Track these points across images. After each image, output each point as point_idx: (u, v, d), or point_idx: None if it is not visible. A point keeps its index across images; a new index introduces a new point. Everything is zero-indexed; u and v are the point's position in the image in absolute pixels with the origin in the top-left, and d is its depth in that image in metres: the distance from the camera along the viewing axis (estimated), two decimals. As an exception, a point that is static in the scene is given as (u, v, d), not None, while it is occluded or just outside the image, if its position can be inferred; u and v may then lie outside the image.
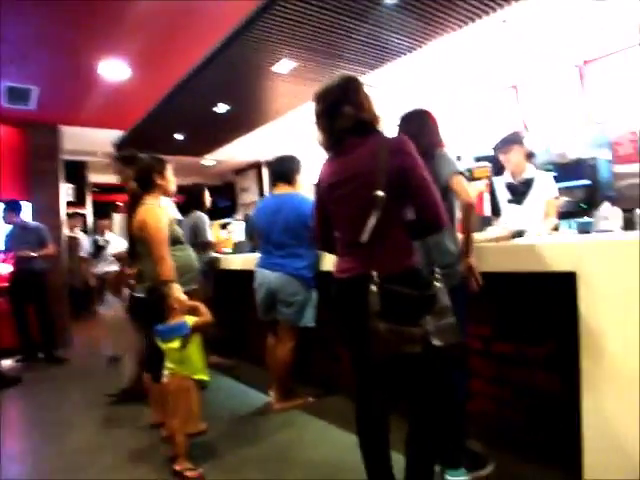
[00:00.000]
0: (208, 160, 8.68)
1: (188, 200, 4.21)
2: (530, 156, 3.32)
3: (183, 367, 2.36)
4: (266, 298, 3.03)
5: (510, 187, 3.23)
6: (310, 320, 3.00)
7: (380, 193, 1.60)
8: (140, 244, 2.61)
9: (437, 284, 1.65)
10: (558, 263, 1.84)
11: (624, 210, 3.25)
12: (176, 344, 2.33)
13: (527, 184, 3.14)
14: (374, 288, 1.55)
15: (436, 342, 1.56)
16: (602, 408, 1.75)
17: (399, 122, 2.17)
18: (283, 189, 3.07)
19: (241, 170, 10.06)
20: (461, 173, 2.02)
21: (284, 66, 4.18)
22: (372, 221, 1.60)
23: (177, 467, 2.30)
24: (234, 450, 2.54)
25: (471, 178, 2.32)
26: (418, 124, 2.11)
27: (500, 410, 2.30)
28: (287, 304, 2.95)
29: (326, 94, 1.76)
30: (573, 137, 4.80)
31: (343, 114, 1.70)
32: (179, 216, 3.80)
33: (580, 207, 4.55)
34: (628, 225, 3.17)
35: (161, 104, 5.04)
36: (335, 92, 1.74)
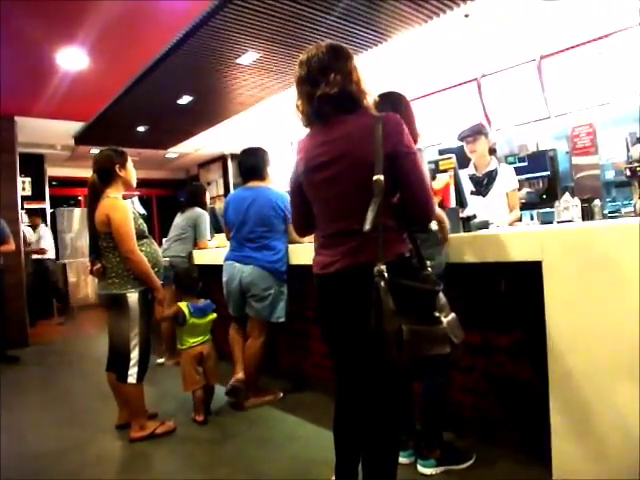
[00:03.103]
0: (172, 153, 8.51)
1: (189, 197, 4.24)
2: (492, 151, 3.39)
3: (208, 336, 2.89)
4: (237, 292, 2.97)
5: (473, 179, 3.29)
6: (282, 315, 2.97)
7: (381, 177, 1.44)
8: (103, 239, 2.54)
9: (430, 275, 1.58)
10: (524, 253, 1.87)
11: (583, 200, 3.36)
12: (212, 316, 2.89)
13: (490, 176, 3.21)
14: (383, 284, 1.38)
15: (454, 340, 1.47)
16: (569, 396, 1.79)
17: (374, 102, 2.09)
18: (255, 183, 3.03)
19: (206, 163, 9.90)
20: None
21: (249, 58, 4.13)
22: (374, 208, 1.41)
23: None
24: (205, 449, 2.50)
25: (436, 171, 2.32)
26: (392, 108, 1.93)
27: (472, 399, 2.34)
28: (259, 299, 2.90)
29: (311, 58, 1.58)
30: (533, 130, 4.92)
31: (329, 80, 1.53)
32: (142, 210, 3.72)
33: (541, 198, 4.70)
34: (587, 215, 3.27)
35: (122, 95, 4.91)
36: (322, 57, 1.57)
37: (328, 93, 1.53)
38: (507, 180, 3.21)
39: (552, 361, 1.84)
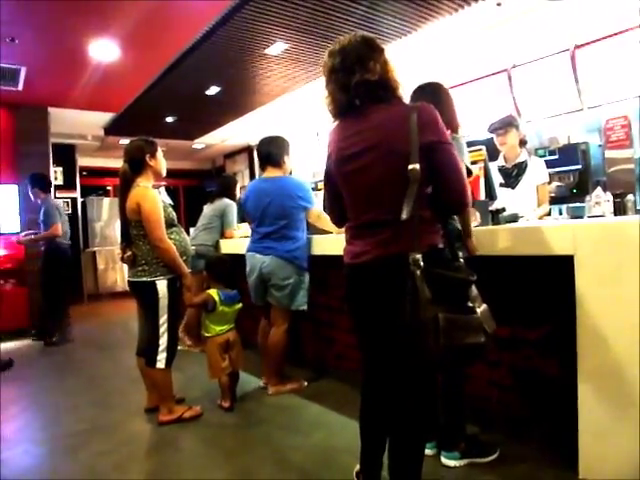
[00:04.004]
0: (199, 143, 8.59)
1: (220, 188, 4.30)
2: (523, 143, 3.33)
3: (233, 324, 2.93)
4: (258, 282, 3.02)
5: (503, 171, 3.24)
6: (302, 303, 3.00)
7: (417, 167, 1.44)
8: (133, 227, 2.60)
9: (463, 266, 1.59)
10: (557, 246, 1.84)
11: (615, 195, 3.28)
12: (239, 305, 2.92)
13: (520, 168, 3.16)
14: (419, 272, 1.39)
15: (488, 330, 1.47)
16: (598, 392, 1.76)
17: (412, 94, 2.06)
18: (272, 172, 3.04)
19: (232, 154, 9.97)
20: (468, 169, 1.99)
21: (277, 48, 4.14)
22: (410, 197, 1.42)
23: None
24: (230, 435, 2.54)
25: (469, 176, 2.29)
26: (432, 99, 1.87)
27: (499, 394, 2.32)
28: (279, 287, 2.94)
29: (346, 48, 1.57)
30: (565, 122, 4.80)
31: (368, 68, 1.53)
32: (169, 200, 3.79)
33: (572, 192, 4.59)
34: (619, 210, 3.19)
35: (152, 86, 4.99)
36: (358, 47, 1.56)
37: (368, 80, 1.54)
38: (537, 173, 3.16)
39: (582, 357, 1.81)
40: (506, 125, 3.14)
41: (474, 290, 1.54)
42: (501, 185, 3.21)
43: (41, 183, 5.00)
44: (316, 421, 2.64)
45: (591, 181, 4.57)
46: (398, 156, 1.47)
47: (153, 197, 2.57)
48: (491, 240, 2.05)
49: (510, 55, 4.73)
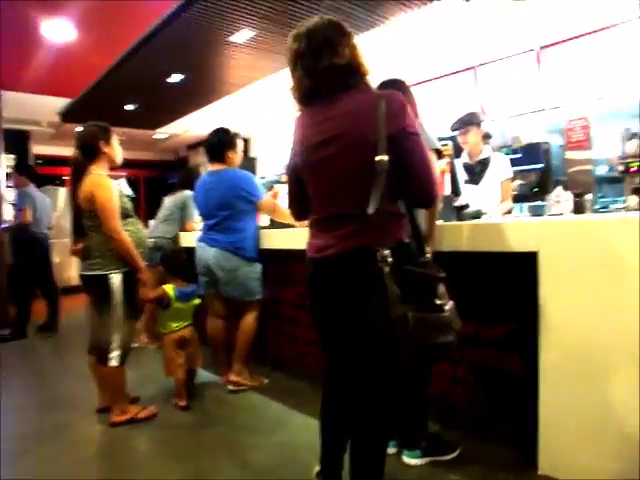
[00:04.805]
0: (161, 133, 8.34)
1: (182, 180, 4.15)
2: (486, 137, 3.35)
3: (190, 320, 2.83)
4: (205, 273, 2.98)
5: (467, 167, 3.25)
6: (256, 294, 2.96)
7: (384, 158, 1.37)
8: (87, 217, 2.46)
9: (430, 262, 1.55)
10: (521, 243, 1.84)
11: (575, 195, 3.34)
12: (196, 301, 2.85)
13: (483, 164, 3.18)
14: (387, 269, 1.33)
15: (455, 327, 1.44)
16: (559, 390, 1.77)
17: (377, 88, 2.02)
18: (217, 166, 3.00)
19: (195, 145, 9.72)
20: (437, 151, 1.96)
21: (243, 36, 4.02)
22: (377, 190, 1.35)
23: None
24: (186, 436, 2.44)
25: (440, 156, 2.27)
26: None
27: (460, 391, 2.31)
28: (228, 280, 2.89)
29: (312, 31, 1.50)
30: (528, 121, 4.87)
31: (337, 52, 1.46)
32: (129, 191, 3.65)
33: (533, 191, 4.67)
34: (578, 209, 3.26)
35: (111, 71, 4.76)
36: (325, 29, 1.50)
37: (337, 65, 1.47)
38: (501, 169, 3.19)
39: (544, 354, 1.82)
40: (466, 124, 3.16)
41: (442, 287, 1.50)
42: (465, 182, 3.21)
43: (28, 171, 4.86)
44: (276, 420, 2.57)
45: (551, 180, 4.67)
46: (365, 146, 1.41)
47: (108, 185, 2.44)
48: (456, 236, 2.03)
49: (477, 53, 4.77)
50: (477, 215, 2.48)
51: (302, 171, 1.60)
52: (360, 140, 1.43)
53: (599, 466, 1.69)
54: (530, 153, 4.68)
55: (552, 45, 4.43)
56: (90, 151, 2.49)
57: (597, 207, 4.05)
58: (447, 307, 1.46)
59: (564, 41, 4.34)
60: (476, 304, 2.19)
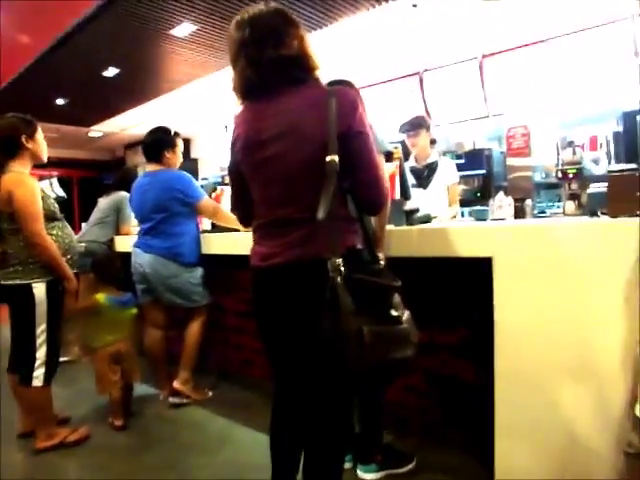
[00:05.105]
0: (95, 131, 7.88)
1: (118, 180, 3.86)
2: (433, 142, 3.37)
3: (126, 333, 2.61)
4: (141, 280, 2.79)
5: (414, 171, 3.25)
6: (200, 299, 2.81)
7: (335, 158, 1.26)
8: (4, 220, 2.20)
9: (384, 269, 1.45)
10: (475, 249, 1.81)
11: (516, 200, 3.43)
12: (133, 311, 2.64)
13: (431, 169, 3.20)
14: (339, 279, 1.21)
15: (413, 340, 1.34)
16: (514, 396, 1.74)
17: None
18: (153, 167, 2.83)
19: (133, 145, 9.25)
20: (388, 154, 1.89)
21: (184, 29, 3.81)
22: (327, 193, 1.22)
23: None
24: (123, 460, 2.23)
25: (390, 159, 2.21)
26: None
27: (414, 399, 2.26)
28: (167, 288, 2.73)
29: (257, 18, 1.37)
30: (470, 128, 4.99)
31: (284, 42, 1.35)
32: (61, 192, 3.36)
33: (476, 195, 4.79)
34: (519, 214, 3.35)
35: (39, 60, 4.36)
36: (272, 19, 1.37)
37: (283, 56, 1.35)
38: (448, 173, 3.22)
39: (499, 360, 1.78)
40: (416, 127, 3.16)
41: (397, 296, 1.40)
42: (413, 185, 3.20)
43: None
44: (223, 437, 2.41)
45: (493, 186, 4.81)
46: (313, 145, 1.30)
47: (29, 184, 2.19)
48: (408, 241, 1.98)
49: (422, 59, 4.81)
50: (427, 219, 2.46)
51: (245, 171, 1.47)
52: (308, 138, 1.32)
53: (549, 469, 1.68)
54: (473, 159, 4.78)
55: (494, 54, 4.55)
56: (10, 146, 2.23)
57: (535, 212, 4.19)
58: (404, 318, 1.36)
59: (506, 50, 4.47)
60: (429, 311, 2.15)
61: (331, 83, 1.92)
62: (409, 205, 2.46)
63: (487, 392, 1.82)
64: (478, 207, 4.50)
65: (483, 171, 4.78)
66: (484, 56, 4.61)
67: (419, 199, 3.07)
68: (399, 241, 1.97)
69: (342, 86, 1.79)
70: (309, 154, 1.32)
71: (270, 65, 1.35)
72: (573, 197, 4.31)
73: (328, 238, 1.26)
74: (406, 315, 1.39)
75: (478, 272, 1.80)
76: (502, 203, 3.48)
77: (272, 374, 1.63)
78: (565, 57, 4.10)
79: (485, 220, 3.65)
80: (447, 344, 2.15)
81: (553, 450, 1.69)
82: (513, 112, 4.65)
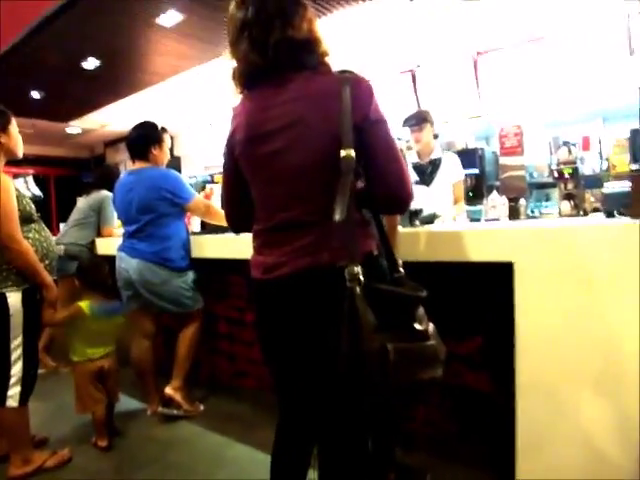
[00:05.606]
0: (74, 127, 7.57)
1: (99, 179, 3.67)
2: (435, 137, 3.24)
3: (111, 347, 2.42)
4: (127, 286, 2.60)
5: (417, 168, 3.12)
6: (194, 304, 2.65)
7: (351, 153, 1.12)
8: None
9: (405, 278, 1.30)
10: (493, 253, 1.69)
11: (509, 199, 3.35)
12: (119, 320, 2.46)
13: (435, 165, 3.07)
14: (358, 290, 1.06)
15: (442, 358, 1.21)
16: (536, 408, 1.64)
17: None
18: (139, 165, 2.65)
19: (114, 142, 8.95)
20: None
21: (170, 18, 3.60)
22: (344, 192, 1.08)
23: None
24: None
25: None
26: None
27: (423, 412, 2.14)
28: (156, 295, 2.55)
29: None
30: (462, 127, 4.91)
31: (292, 23, 1.20)
32: (37, 191, 3.13)
33: (469, 195, 4.70)
34: (513, 214, 3.27)
35: (11, 49, 4.09)
36: None
37: (291, 38, 1.19)
38: (453, 169, 3.11)
39: (520, 371, 1.67)
40: (421, 120, 3.02)
41: (421, 308, 1.25)
42: (416, 182, 3.08)
43: None
44: (216, 456, 2.24)
45: (485, 185, 4.74)
46: (325, 138, 1.16)
47: (3, 182, 1.98)
48: (419, 244, 1.85)
49: (417, 55, 4.70)
50: (432, 220, 2.35)
51: (244, 167, 1.31)
52: (320, 130, 1.17)
53: None
54: (467, 158, 4.67)
55: (487, 52, 4.46)
56: (-19, 140, 2.01)
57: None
58: (430, 333, 1.22)
59: (500, 48, 4.38)
60: (442, 319, 2.02)
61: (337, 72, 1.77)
62: (413, 205, 2.34)
63: (504, 403, 1.70)
64: (471, 207, 4.44)
65: (476, 171, 4.72)
66: (478, 53, 4.52)
67: (422, 197, 2.96)
68: (404, 244, 1.82)
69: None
70: (320, 148, 1.17)
71: (277, 48, 1.20)
72: (569, 197, 4.29)
73: (344, 243, 1.11)
74: (431, 329, 1.24)
75: (492, 277, 1.70)
76: (496, 203, 3.40)
77: (278, 398, 1.48)
78: (559, 55, 4.03)
79: (479, 220, 3.58)
80: (459, 353, 2.03)
81: (577, 464, 1.59)
82: (504, 111, 4.57)
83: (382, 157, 1.20)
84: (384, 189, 1.22)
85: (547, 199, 4.82)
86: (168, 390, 2.59)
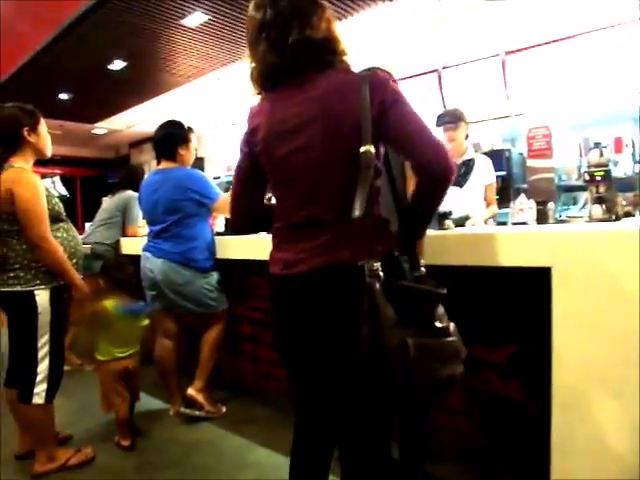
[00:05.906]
0: (100, 128, 7.69)
1: (124, 179, 3.71)
2: (466, 137, 3.16)
3: (136, 347, 2.39)
4: (151, 286, 2.60)
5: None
6: (218, 305, 2.63)
7: (371, 149, 1.12)
8: (4, 220, 2.00)
9: (425, 276, 1.25)
10: (531, 257, 1.62)
11: (537, 203, 3.27)
12: (144, 322, 2.42)
13: (468, 166, 2.98)
14: (378, 286, 1.07)
15: (463, 356, 1.19)
16: (575, 420, 1.56)
17: None
18: (165, 164, 2.64)
19: (138, 142, 9.08)
20: None
21: (196, 19, 3.61)
22: (364, 188, 1.09)
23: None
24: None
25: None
26: None
27: (448, 421, 2.07)
28: (180, 295, 2.54)
29: None
30: (488, 128, 4.82)
31: (310, 23, 1.20)
32: (64, 191, 3.17)
33: (495, 198, 4.61)
34: (541, 217, 3.19)
35: (42, 50, 4.16)
36: None
37: (310, 38, 1.20)
38: (485, 172, 3.04)
39: (557, 380, 1.59)
40: (457, 119, 2.93)
41: (441, 307, 1.21)
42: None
43: None
44: (239, 459, 2.21)
45: (512, 188, 4.64)
46: (344, 134, 1.17)
47: (32, 182, 1.99)
48: (450, 248, 1.79)
49: (441, 55, 4.63)
50: (462, 222, 2.29)
51: (265, 166, 1.31)
52: (338, 127, 1.18)
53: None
54: (493, 160, 4.58)
55: (518, 51, 4.36)
56: (10, 140, 2.03)
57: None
58: (451, 330, 1.19)
59: (529, 47, 4.28)
60: (473, 325, 1.96)
61: (364, 70, 1.74)
62: (442, 207, 2.29)
63: (537, 412, 1.64)
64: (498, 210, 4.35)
65: (503, 173, 4.61)
66: (507, 53, 4.42)
67: (454, 198, 2.88)
68: (434, 247, 1.76)
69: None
70: (338, 145, 1.18)
71: (295, 49, 1.21)
72: (600, 201, 4.15)
73: (361, 240, 1.12)
74: (452, 327, 1.22)
75: (526, 283, 1.64)
76: (523, 206, 3.31)
77: (293, 396, 1.45)
78: (589, 55, 3.93)
79: (506, 224, 3.49)
80: (490, 360, 1.96)
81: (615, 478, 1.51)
82: (533, 112, 4.46)
83: (411, 130, 1.15)
84: (423, 163, 1.15)
85: (574, 202, 4.69)
86: (190, 391, 2.58)
